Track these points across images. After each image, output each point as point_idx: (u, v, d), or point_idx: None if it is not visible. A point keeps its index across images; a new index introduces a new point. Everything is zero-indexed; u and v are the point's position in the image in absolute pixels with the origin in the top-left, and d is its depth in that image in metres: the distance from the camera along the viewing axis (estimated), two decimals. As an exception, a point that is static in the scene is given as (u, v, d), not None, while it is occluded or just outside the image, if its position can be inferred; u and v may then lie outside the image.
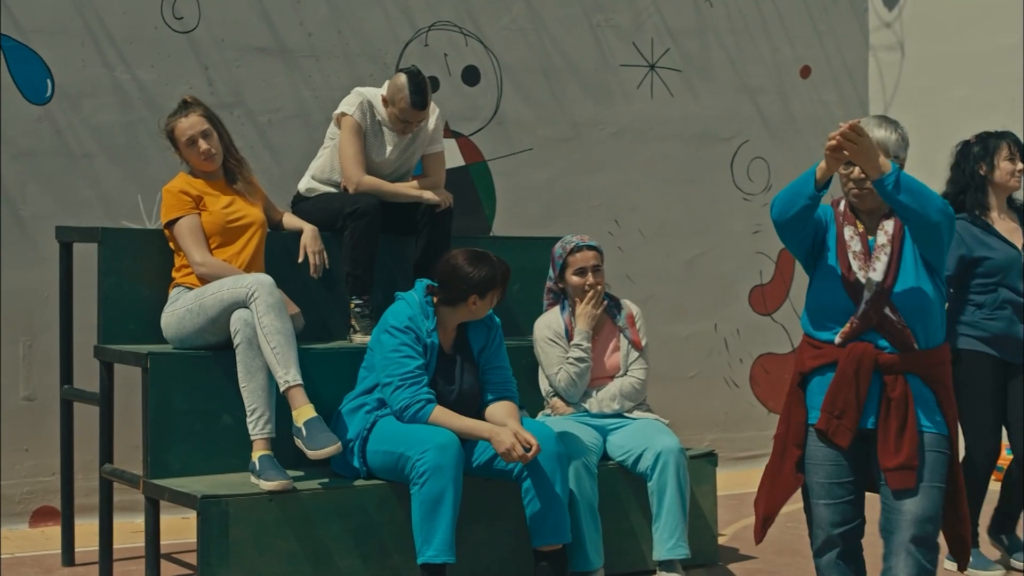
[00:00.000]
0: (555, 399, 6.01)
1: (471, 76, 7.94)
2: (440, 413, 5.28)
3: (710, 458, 6.18)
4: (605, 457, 5.88)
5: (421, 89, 5.96)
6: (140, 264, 5.76)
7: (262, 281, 5.29)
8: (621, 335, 6.00)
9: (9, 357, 6.65)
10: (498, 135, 8.00)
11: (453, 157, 7.76)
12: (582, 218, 8.08)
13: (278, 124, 7.38)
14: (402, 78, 5.98)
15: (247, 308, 5.29)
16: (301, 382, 5.21)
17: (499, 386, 5.54)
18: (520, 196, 8.00)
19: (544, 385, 6.07)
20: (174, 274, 5.69)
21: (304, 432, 5.14)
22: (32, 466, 6.69)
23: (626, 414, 5.97)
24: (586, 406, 5.94)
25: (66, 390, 5.99)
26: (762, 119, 8.77)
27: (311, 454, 5.12)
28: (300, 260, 5.94)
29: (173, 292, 5.64)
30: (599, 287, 5.92)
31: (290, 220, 6.12)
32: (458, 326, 5.52)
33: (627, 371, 5.98)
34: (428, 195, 6.13)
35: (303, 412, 5.18)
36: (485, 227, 7.95)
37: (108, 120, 7.00)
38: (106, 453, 5.69)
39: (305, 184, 6.34)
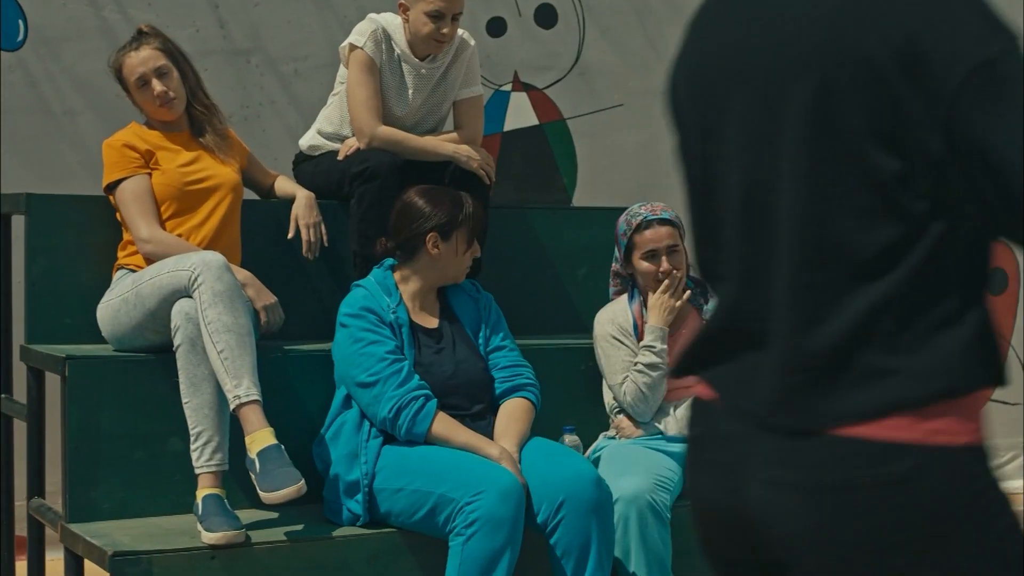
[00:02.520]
0: (620, 416, 4.61)
1: (546, 16, 6.70)
2: (443, 419, 4.09)
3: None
4: (686, 494, 4.43)
5: None
6: (82, 240, 4.51)
7: (208, 261, 3.97)
8: (709, 333, 4.55)
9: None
10: (580, 88, 6.74)
11: (524, 115, 6.61)
12: (680, 186, 6.64)
13: (305, 75, 6.16)
14: None
15: (190, 298, 3.97)
16: (257, 397, 3.89)
17: (507, 375, 4.34)
18: (607, 162, 6.76)
19: (608, 398, 4.67)
20: (119, 253, 4.43)
21: (257, 466, 3.80)
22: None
23: (714, 437, 4.51)
24: (661, 427, 4.52)
25: (3, 401, 4.72)
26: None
27: (265, 496, 3.80)
28: (290, 235, 4.63)
29: (115, 276, 4.35)
30: (677, 273, 4.48)
31: (283, 185, 4.82)
32: (439, 298, 4.36)
33: None
34: (462, 151, 4.76)
35: (258, 438, 3.85)
36: (564, 198, 6.67)
37: (94, 69, 5.75)
38: (35, 483, 4.44)
39: (309, 140, 5.01)
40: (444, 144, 4.80)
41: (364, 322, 4.14)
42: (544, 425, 4.46)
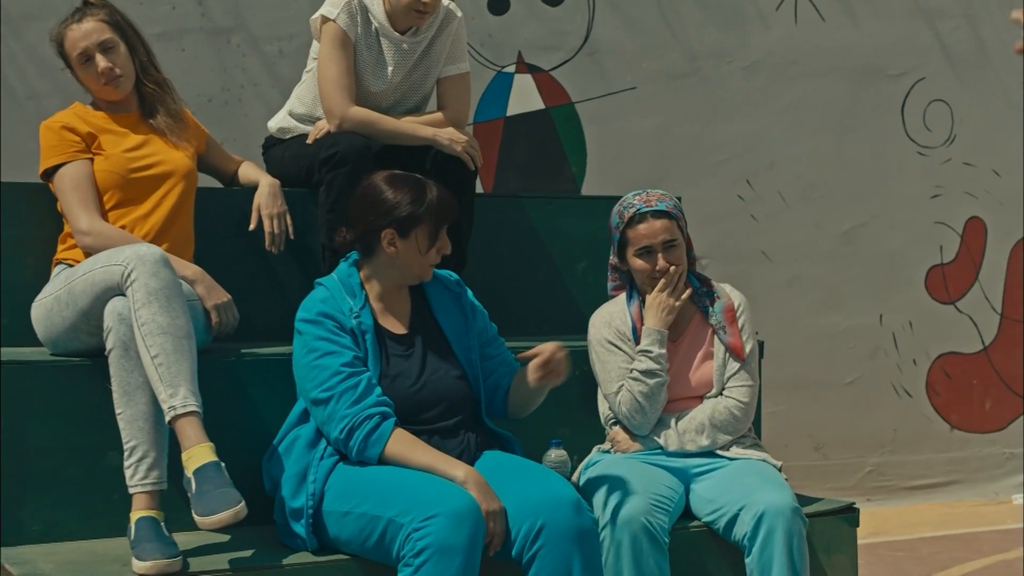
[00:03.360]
0: (616, 428, 4.16)
1: (553, -8, 6.29)
2: (401, 438, 3.61)
3: (848, 516, 4.21)
4: (687, 515, 3.99)
5: None
6: (20, 232, 4.09)
7: (142, 255, 3.54)
8: (715, 337, 4.10)
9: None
10: (589, 70, 6.39)
11: (530, 98, 6.26)
12: (702, 177, 6.51)
13: (291, 55, 5.83)
14: None
15: (124, 296, 3.54)
16: (196, 408, 3.46)
17: (511, 367, 3.95)
18: (619, 149, 6.39)
19: (603, 408, 4.21)
20: (59, 246, 4.01)
21: (193, 486, 3.37)
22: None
23: (720, 452, 4.07)
24: (661, 440, 4.07)
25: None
26: (943, 49, 6.90)
27: (199, 521, 3.37)
28: (252, 227, 4.20)
29: (53, 272, 3.94)
30: (675, 271, 4.02)
31: (248, 172, 4.40)
32: (414, 296, 3.89)
33: (723, 390, 4.09)
34: (444, 134, 4.31)
35: (195, 455, 3.42)
36: (572, 188, 6.27)
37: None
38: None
39: (279, 121, 4.58)
40: (423, 127, 4.35)
41: (320, 329, 3.69)
42: (533, 435, 4.05)
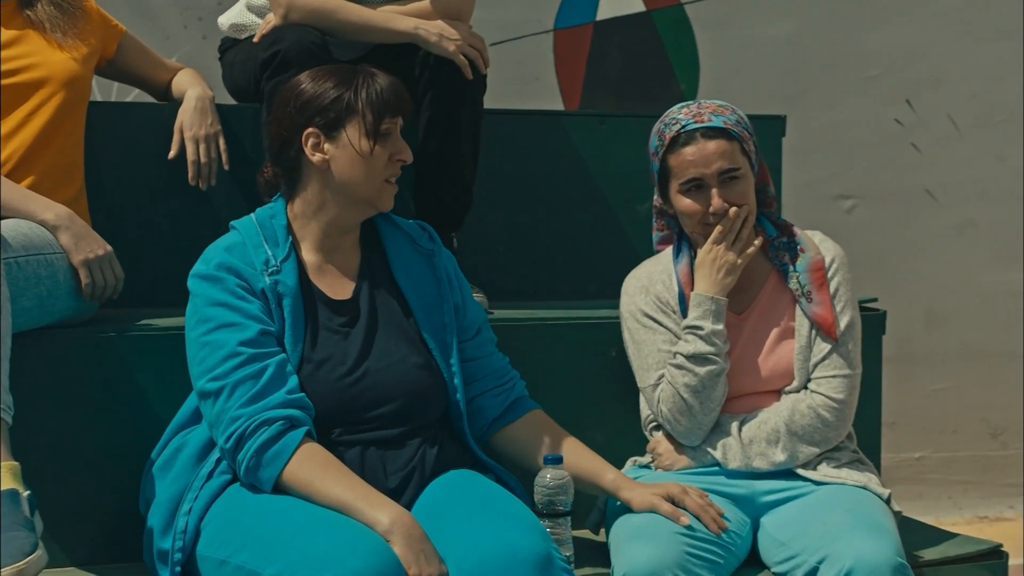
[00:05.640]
0: (659, 435, 3.00)
1: None
2: (311, 458, 2.52)
3: (992, 563, 2.95)
4: (753, 559, 2.82)
5: None
6: None
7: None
8: (797, 307, 2.89)
9: None
10: None
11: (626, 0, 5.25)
12: (848, 97, 5.41)
13: None
14: None
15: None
16: (4, 418, 2.42)
17: (501, 386, 2.89)
18: (739, 61, 5.31)
19: (644, 406, 3.03)
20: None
21: (-13, 520, 2.35)
22: None
23: (802, 472, 2.88)
24: (717, 454, 2.90)
25: None
26: None
27: (-14, 570, 2.32)
28: (171, 154, 3.16)
29: None
30: (736, 212, 2.84)
31: (181, 82, 3.36)
32: (366, 254, 2.82)
33: (808, 382, 2.89)
34: (431, 27, 3.19)
35: (-14, 479, 2.37)
36: None
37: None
38: None
39: (233, 16, 3.51)
40: (402, 17, 3.21)
41: (218, 290, 2.64)
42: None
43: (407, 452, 2.65)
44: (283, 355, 2.60)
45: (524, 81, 4.94)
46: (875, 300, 3.46)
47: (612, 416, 3.16)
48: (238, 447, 2.52)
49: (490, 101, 3.69)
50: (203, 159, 3.16)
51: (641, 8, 5.16)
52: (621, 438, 3.12)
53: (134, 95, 3.63)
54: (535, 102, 4.86)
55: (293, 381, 2.58)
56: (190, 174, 3.16)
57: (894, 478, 5.35)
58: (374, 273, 2.77)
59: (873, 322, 3.36)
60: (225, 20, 3.48)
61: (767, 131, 3.78)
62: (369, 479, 2.56)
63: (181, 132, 3.18)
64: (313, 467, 2.50)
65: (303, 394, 2.58)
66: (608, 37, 5.15)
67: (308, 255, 2.73)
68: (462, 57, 3.19)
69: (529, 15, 4.95)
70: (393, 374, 2.67)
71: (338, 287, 2.74)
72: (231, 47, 3.48)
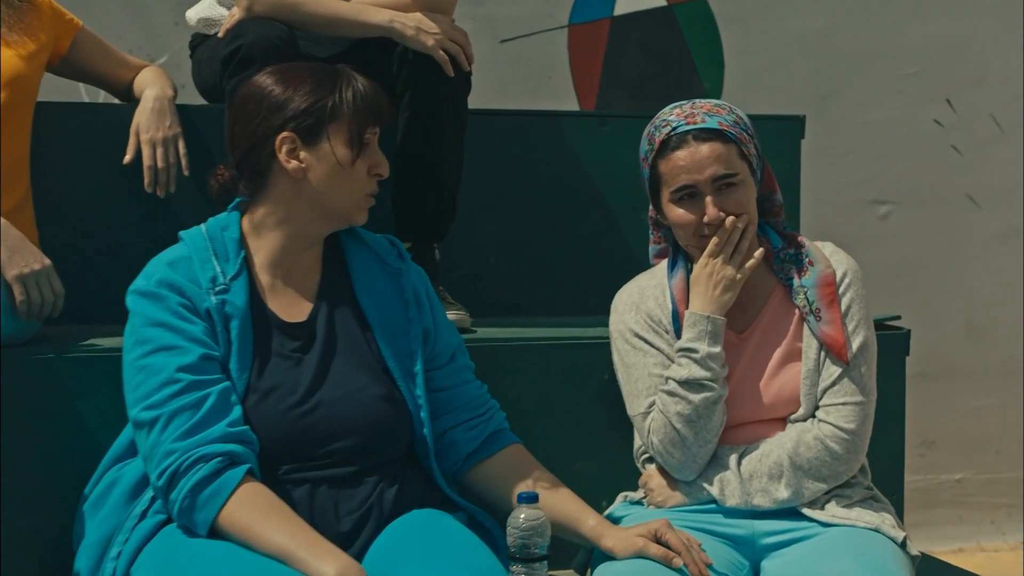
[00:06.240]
0: (652, 468, 2.74)
1: None
2: (251, 499, 2.27)
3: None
4: (753, 610, 2.58)
5: None
6: None
7: None
8: (805, 325, 2.62)
9: None
10: None
11: None
12: (884, 96, 5.24)
13: None
14: None
15: None
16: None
17: (478, 417, 2.63)
18: (767, 58, 5.12)
19: (637, 437, 2.77)
20: None
21: None
22: None
23: (807, 511, 2.61)
24: (714, 490, 2.65)
25: None
26: None
27: None
28: (127, 158, 2.94)
29: None
30: (734, 224, 2.58)
31: (144, 81, 3.14)
32: (327, 272, 2.57)
33: (816, 410, 2.65)
34: (407, 20, 2.96)
35: None
36: None
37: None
38: None
39: (201, 10, 3.28)
40: (376, 9, 2.98)
41: (157, 308, 2.41)
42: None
43: (363, 491, 2.40)
44: (227, 383, 2.36)
45: (537, 80, 4.74)
46: (898, 318, 3.18)
47: (604, 446, 2.90)
48: (171, 485, 2.28)
49: (501, 102, 3.47)
50: (160, 164, 2.94)
51: (662, 2, 4.97)
52: (614, 470, 2.87)
53: (104, 96, 3.42)
54: (549, 102, 4.64)
55: (236, 412, 2.34)
56: (146, 180, 2.95)
57: (933, 501, 5.13)
58: (335, 294, 2.53)
59: (895, 342, 3.09)
60: (193, 14, 3.25)
61: (785, 133, 3.54)
62: (319, 521, 2.32)
63: (137, 135, 2.96)
64: (253, 510, 2.25)
65: (247, 427, 2.34)
66: (626, 33, 4.96)
67: (262, 273, 2.49)
68: (442, 52, 2.95)
69: (542, 10, 4.75)
70: (350, 405, 2.43)
71: (293, 308, 2.49)
72: (200, 43, 3.26)
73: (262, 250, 2.49)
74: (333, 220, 2.50)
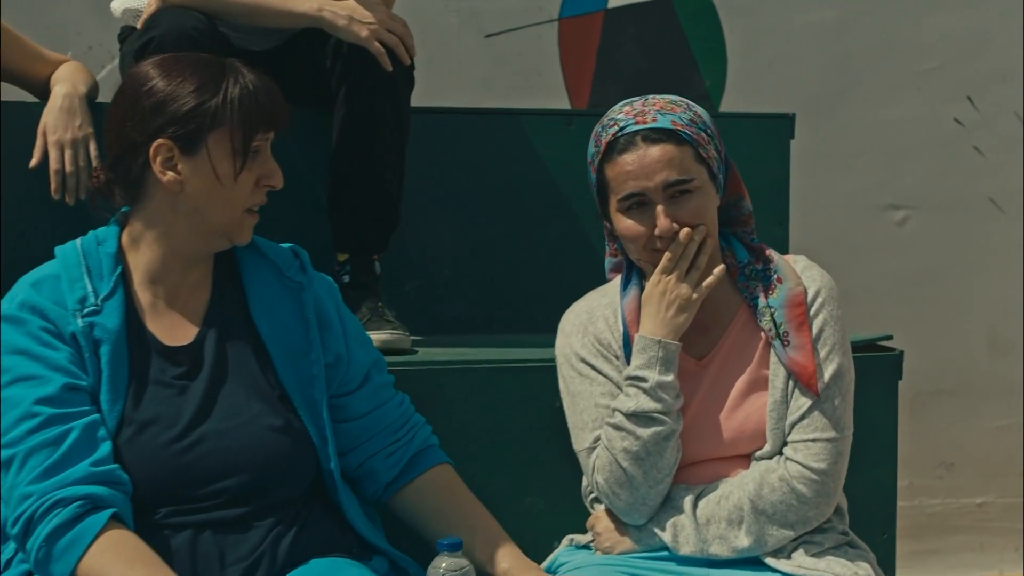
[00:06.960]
0: (600, 509, 2.46)
1: None
2: (115, 548, 2.03)
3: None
4: (710, 670, 2.29)
5: None
6: None
7: None
8: (771, 351, 2.34)
9: None
10: None
11: None
12: (900, 94, 5.04)
13: None
14: None
15: None
16: None
17: (396, 440, 2.39)
18: (773, 53, 4.92)
19: (586, 477, 2.51)
20: None
21: None
22: None
23: (771, 562, 2.35)
24: (666, 536, 2.39)
25: None
26: None
27: None
28: (33, 162, 2.70)
29: None
30: (689, 235, 2.29)
31: (57, 78, 2.94)
32: (217, 289, 2.33)
33: (783, 446, 2.38)
34: (342, 11, 2.74)
35: None
36: (706, 107, 4.61)
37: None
38: None
39: (126, 1, 3.01)
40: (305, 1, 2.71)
41: (18, 334, 2.17)
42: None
43: (254, 537, 2.14)
44: (94, 416, 2.11)
45: (525, 77, 4.51)
46: (890, 338, 2.89)
47: (556, 481, 2.64)
48: (27, 533, 2.04)
49: (488, 100, 3.20)
50: (68, 167, 2.70)
51: (660, -7, 4.75)
52: (566, 507, 2.60)
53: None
54: (538, 100, 4.42)
55: (104, 449, 2.08)
56: (52, 185, 2.71)
57: (952, 527, 4.90)
58: (226, 313, 2.27)
59: (886, 364, 2.81)
60: (118, 5, 3.01)
61: (772, 132, 3.26)
62: (202, 572, 2.09)
63: (44, 136, 2.72)
64: (116, 561, 2.00)
65: (115, 465, 2.08)
66: (622, 26, 4.75)
67: (141, 291, 2.24)
68: (378, 44, 2.69)
69: (530, 3, 4.55)
70: (239, 438, 2.17)
71: (177, 331, 2.24)
72: (128, 36, 3.01)
73: (141, 266, 2.24)
74: (214, 239, 2.24)
